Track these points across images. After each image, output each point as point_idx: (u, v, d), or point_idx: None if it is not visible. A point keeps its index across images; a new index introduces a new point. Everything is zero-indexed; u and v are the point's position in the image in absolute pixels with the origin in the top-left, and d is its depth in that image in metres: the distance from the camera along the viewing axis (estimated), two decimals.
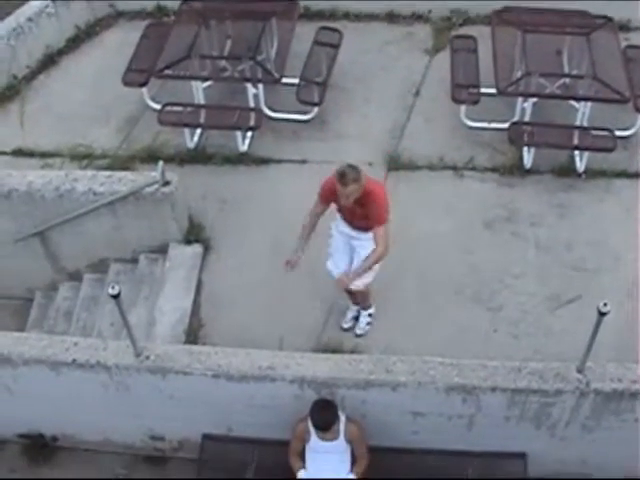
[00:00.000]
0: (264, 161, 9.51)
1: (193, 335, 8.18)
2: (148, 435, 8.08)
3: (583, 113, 9.23)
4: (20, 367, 7.46)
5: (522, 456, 7.60)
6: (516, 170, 9.26)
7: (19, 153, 9.95)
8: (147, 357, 7.23)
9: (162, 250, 8.78)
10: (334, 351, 7.77)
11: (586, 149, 9.12)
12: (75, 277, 9.31)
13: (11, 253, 9.04)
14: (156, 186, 8.35)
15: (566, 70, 9.47)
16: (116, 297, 6.46)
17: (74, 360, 7.31)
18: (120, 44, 10.60)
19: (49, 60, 10.81)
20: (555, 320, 8.26)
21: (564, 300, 8.36)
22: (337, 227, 7.60)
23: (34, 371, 7.47)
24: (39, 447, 8.42)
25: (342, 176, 7.00)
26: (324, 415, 7.03)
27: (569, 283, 8.45)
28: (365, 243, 7.38)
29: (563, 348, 7.83)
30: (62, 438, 8.40)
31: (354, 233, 7.48)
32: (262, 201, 9.04)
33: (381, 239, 7.26)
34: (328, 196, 7.37)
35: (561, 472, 7.77)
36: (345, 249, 7.64)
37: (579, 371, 6.98)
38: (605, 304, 6.16)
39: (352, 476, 7.22)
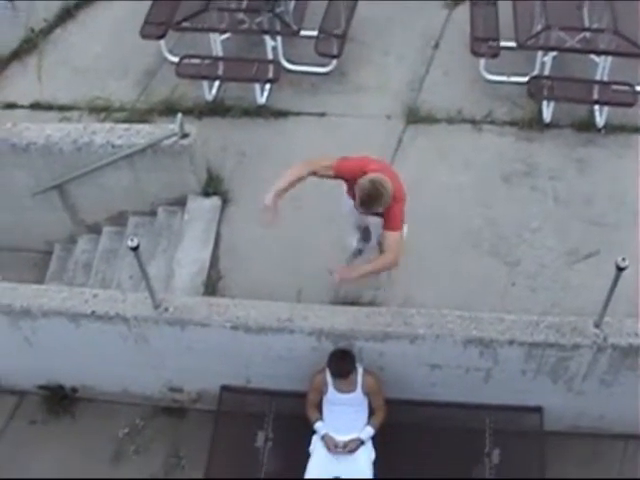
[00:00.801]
0: (282, 114, 9.47)
1: (211, 287, 8.19)
2: (167, 386, 8.13)
3: (603, 67, 9.14)
4: (39, 319, 7.53)
5: (538, 410, 7.62)
6: (535, 124, 9.19)
7: (37, 106, 9.95)
8: (166, 309, 7.26)
9: (180, 202, 8.77)
10: (352, 303, 7.76)
11: (606, 104, 9.04)
12: (94, 230, 9.33)
13: (30, 206, 9.08)
14: (174, 138, 8.33)
15: (586, 24, 9.32)
16: (135, 249, 6.48)
17: (93, 312, 7.36)
18: None
19: (66, 13, 10.77)
20: (573, 274, 8.23)
21: (582, 255, 8.32)
22: (346, 205, 7.43)
23: (53, 323, 7.53)
24: (59, 398, 8.50)
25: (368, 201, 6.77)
26: (342, 362, 7.05)
27: (587, 238, 8.40)
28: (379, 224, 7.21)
29: (581, 303, 7.81)
30: (81, 389, 8.46)
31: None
32: (280, 153, 8.96)
33: (392, 246, 6.99)
34: (346, 177, 7.09)
35: (577, 426, 7.79)
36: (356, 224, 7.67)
37: (596, 326, 6.98)
38: (623, 259, 6.14)
39: (369, 428, 7.26)
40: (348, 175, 7.03)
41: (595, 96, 9.02)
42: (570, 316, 7.19)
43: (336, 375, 7.06)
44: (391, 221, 6.95)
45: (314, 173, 7.09)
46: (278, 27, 9.44)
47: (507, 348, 7.04)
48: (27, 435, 8.41)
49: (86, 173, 8.65)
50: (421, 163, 8.57)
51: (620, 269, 6.20)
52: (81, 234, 9.44)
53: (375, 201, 6.67)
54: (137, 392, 8.30)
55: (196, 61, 9.45)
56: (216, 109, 9.56)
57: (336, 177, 7.11)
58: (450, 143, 9.12)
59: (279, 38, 9.63)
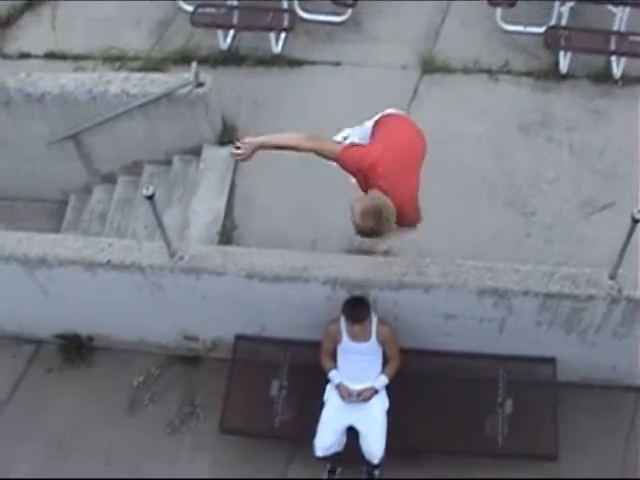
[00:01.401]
0: (298, 63, 9.44)
1: (226, 236, 8.23)
2: (182, 335, 8.17)
3: (621, 18, 9.05)
4: (55, 268, 7.55)
5: (552, 361, 7.64)
6: (552, 75, 9.13)
7: (51, 56, 9.95)
8: (181, 258, 7.27)
9: (196, 152, 8.79)
10: (367, 253, 7.75)
11: (623, 55, 8.97)
12: (109, 179, 9.36)
13: (45, 156, 9.11)
14: (189, 87, 8.32)
15: None
16: (150, 198, 6.48)
17: (109, 261, 7.38)
18: None
19: None
20: (588, 226, 8.22)
21: (598, 206, 8.31)
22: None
23: (69, 272, 7.56)
24: (75, 347, 8.57)
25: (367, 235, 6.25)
26: (357, 307, 7.06)
27: (603, 189, 8.39)
28: None
29: (596, 254, 7.81)
30: (97, 338, 8.52)
31: None
32: (295, 103, 8.97)
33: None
34: (349, 170, 6.42)
35: (590, 378, 7.80)
36: None
37: (611, 277, 6.96)
38: (639, 211, 6.12)
39: (383, 377, 7.28)
40: (352, 168, 6.38)
41: (612, 47, 8.95)
42: (585, 267, 7.16)
43: (351, 320, 7.05)
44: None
45: (315, 151, 6.39)
46: None
47: (521, 298, 7.04)
48: (44, 383, 8.49)
49: (101, 123, 8.66)
50: (437, 113, 8.52)
51: (636, 221, 6.16)
52: (96, 184, 9.47)
53: (375, 235, 6.22)
54: (152, 341, 8.35)
55: (211, 10, 9.41)
56: (231, 58, 9.53)
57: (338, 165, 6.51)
58: (466, 93, 9.08)
59: None
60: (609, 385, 7.86)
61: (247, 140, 6.43)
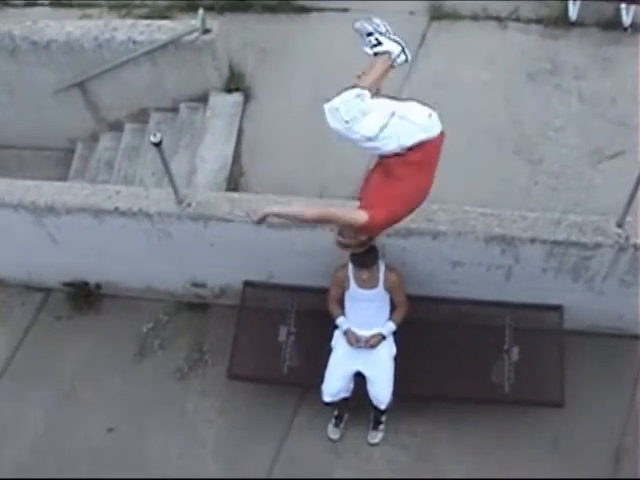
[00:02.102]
0: (305, 9, 9.38)
1: (234, 183, 8.24)
2: (190, 282, 8.21)
3: None
4: (63, 216, 7.58)
5: (558, 308, 7.65)
6: (561, 22, 9.04)
7: (57, 4, 9.93)
8: (189, 204, 7.28)
9: (203, 99, 8.77)
10: None
11: (632, 2, 8.84)
12: (116, 127, 9.34)
13: (52, 104, 9.09)
14: (196, 34, 8.28)
15: None
16: (158, 145, 6.45)
17: (116, 208, 7.39)
18: None
19: None
20: (596, 174, 8.19)
21: (606, 154, 8.27)
22: None
23: (77, 220, 7.58)
24: (83, 295, 8.62)
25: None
26: (364, 253, 6.85)
27: (611, 138, 8.34)
28: None
29: (603, 202, 7.79)
30: (105, 286, 8.57)
31: None
32: (303, 50, 8.95)
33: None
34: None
35: (596, 326, 7.82)
36: None
37: (619, 225, 6.94)
38: None
39: (391, 323, 7.30)
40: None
41: None
42: (592, 215, 7.15)
43: (359, 266, 7.05)
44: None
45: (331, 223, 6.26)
46: None
47: (529, 246, 7.04)
48: (53, 330, 8.57)
49: (107, 70, 8.64)
50: (445, 60, 8.48)
51: None
52: (103, 132, 9.47)
53: None
54: (161, 288, 8.40)
55: None
56: (238, 5, 9.47)
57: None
58: (474, 40, 9.02)
59: None
60: (616, 333, 7.88)
61: (254, 219, 6.16)
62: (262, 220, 6.11)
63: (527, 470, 7.51)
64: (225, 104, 8.62)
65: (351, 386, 7.35)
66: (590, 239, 6.96)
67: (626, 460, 7.52)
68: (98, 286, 8.56)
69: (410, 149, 5.82)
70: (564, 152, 8.32)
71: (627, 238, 6.93)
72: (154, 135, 6.42)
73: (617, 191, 7.18)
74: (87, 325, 8.52)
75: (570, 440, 7.61)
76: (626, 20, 8.95)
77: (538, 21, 9.10)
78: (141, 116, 9.12)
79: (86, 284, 8.55)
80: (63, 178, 9.27)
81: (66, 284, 8.59)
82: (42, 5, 9.89)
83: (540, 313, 7.69)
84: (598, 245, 6.98)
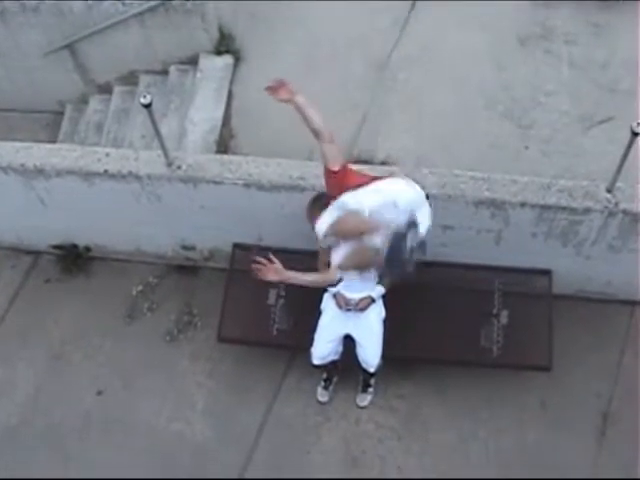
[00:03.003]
0: None
1: (224, 146, 8.23)
2: (179, 245, 8.20)
3: None
4: (53, 178, 7.54)
5: (547, 273, 7.66)
6: None
7: None
8: (178, 167, 7.24)
9: (192, 61, 8.75)
10: (365, 162, 7.74)
11: None
12: (105, 90, 9.33)
13: (41, 66, 9.08)
14: None
15: None
16: (148, 106, 6.43)
17: (106, 170, 7.35)
18: None
19: None
20: (586, 140, 8.20)
21: (596, 120, 8.27)
22: None
23: (67, 182, 7.54)
24: (73, 257, 8.61)
25: None
26: None
27: (602, 103, 8.35)
28: None
29: (593, 168, 7.81)
30: (95, 248, 8.55)
31: None
32: (294, 13, 8.86)
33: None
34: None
35: (585, 291, 7.86)
36: None
37: (608, 191, 6.94)
38: (638, 124, 6.06)
39: (380, 287, 7.21)
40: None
41: None
42: (582, 181, 7.15)
43: None
44: None
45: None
46: None
47: (518, 210, 7.04)
48: (43, 293, 8.57)
49: (97, 32, 8.61)
50: (436, 24, 8.44)
51: (635, 134, 6.11)
52: (92, 94, 9.45)
53: None
54: (150, 250, 8.39)
55: None
56: None
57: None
58: (465, 4, 8.89)
59: None
60: (604, 299, 7.93)
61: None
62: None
63: (515, 433, 7.56)
64: (215, 67, 8.59)
65: (340, 349, 7.34)
66: (580, 204, 6.96)
67: (613, 424, 7.56)
68: (87, 249, 8.53)
69: None
70: (554, 117, 8.32)
71: (616, 204, 6.94)
72: (144, 97, 6.40)
73: (607, 156, 7.25)
74: (76, 288, 8.51)
75: (558, 403, 7.66)
76: None
77: None
78: (130, 79, 9.11)
79: (75, 247, 8.53)
80: (52, 141, 9.24)
81: (55, 247, 8.57)
82: None
83: (529, 277, 7.70)
84: (588, 210, 6.98)
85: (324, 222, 6.07)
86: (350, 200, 5.95)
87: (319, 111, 6.02)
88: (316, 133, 6.06)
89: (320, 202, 6.42)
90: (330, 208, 6.05)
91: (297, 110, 6.08)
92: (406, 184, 6.03)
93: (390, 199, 5.87)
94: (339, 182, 6.02)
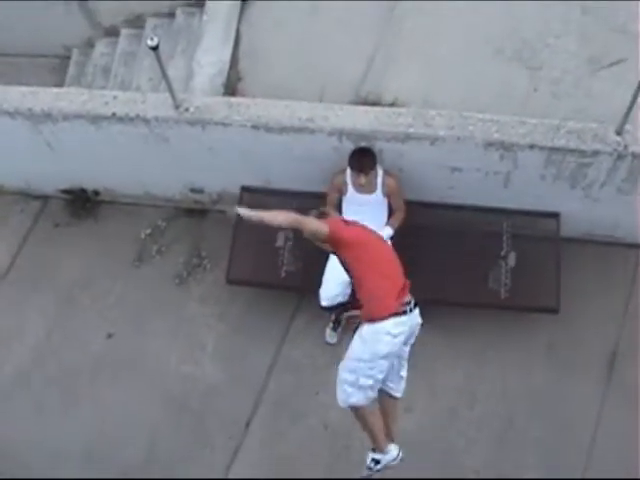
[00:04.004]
0: None
1: (231, 88, 8.17)
2: (188, 188, 8.22)
3: None
4: (60, 122, 7.55)
5: (556, 215, 7.69)
6: None
7: None
8: (186, 109, 7.25)
9: (199, 3, 8.64)
10: (373, 104, 7.71)
11: None
12: (112, 33, 9.30)
13: (46, 8, 9.01)
14: None
15: None
16: (155, 49, 6.41)
17: (114, 114, 7.36)
18: None
19: None
20: (596, 82, 8.11)
21: (606, 62, 8.18)
22: None
23: (74, 126, 7.55)
24: (81, 202, 8.64)
25: None
26: (364, 157, 7.04)
27: (612, 45, 8.22)
28: None
29: (603, 110, 7.71)
30: (104, 192, 8.57)
31: None
32: None
33: None
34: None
35: (593, 234, 7.89)
36: None
37: (618, 133, 6.95)
38: None
39: (388, 229, 7.31)
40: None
41: None
42: (592, 123, 7.12)
43: (357, 170, 7.04)
44: None
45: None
46: None
47: (527, 152, 7.05)
48: (52, 237, 8.62)
49: None
50: None
51: None
52: (99, 38, 9.41)
53: None
54: (159, 194, 8.41)
55: None
56: None
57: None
58: None
59: None
60: (612, 242, 7.95)
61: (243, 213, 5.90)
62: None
63: (521, 375, 7.61)
64: (222, 8, 8.47)
65: (348, 291, 7.34)
66: (589, 146, 6.97)
67: (619, 365, 7.62)
68: (96, 193, 8.55)
69: None
70: (564, 59, 8.20)
71: (626, 146, 6.95)
72: (151, 39, 6.37)
73: (617, 99, 7.15)
74: (85, 232, 8.55)
75: (565, 345, 7.71)
76: None
77: None
78: (137, 21, 9.07)
79: (84, 191, 8.55)
80: (59, 85, 9.21)
81: (64, 191, 8.59)
82: None
83: (537, 220, 7.73)
84: (596, 152, 6.99)
85: None
86: None
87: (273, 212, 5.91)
88: (293, 228, 6.11)
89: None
90: None
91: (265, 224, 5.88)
92: None
93: None
94: (338, 237, 5.94)
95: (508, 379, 7.62)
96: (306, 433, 7.40)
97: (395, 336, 5.90)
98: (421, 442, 7.34)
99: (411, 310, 5.92)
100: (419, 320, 6.01)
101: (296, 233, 7.72)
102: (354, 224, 6.09)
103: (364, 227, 6.11)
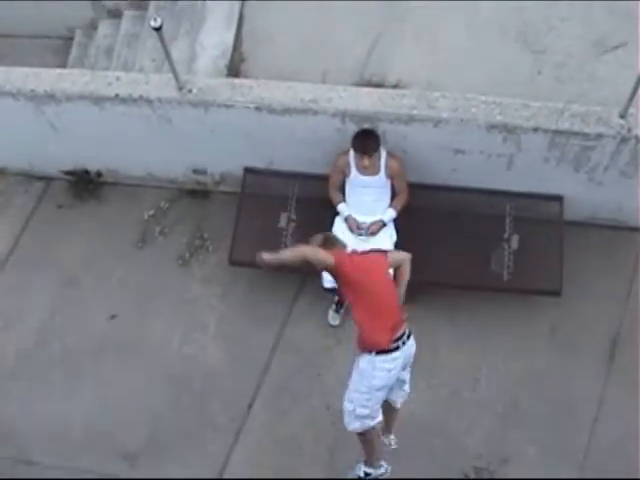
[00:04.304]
0: None
1: (235, 70, 8.18)
2: (191, 169, 8.21)
3: None
4: (63, 103, 7.55)
5: (559, 199, 7.68)
6: None
7: None
8: (189, 90, 7.25)
9: None
10: (377, 86, 7.72)
11: None
12: (115, 14, 9.30)
13: None
14: None
15: None
16: (158, 29, 6.41)
17: (117, 95, 7.37)
18: None
19: None
20: (600, 65, 8.14)
21: (610, 46, 8.20)
22: None
23: (77, 107, 7.56)
24: (84, 183, 8.63)
25: None
26: (367, 139, 7.04)
27: (616, 29, 8.26)
28: None
29: (606, 94, 7.74)
30: (107, 173, 8.56)
31: None
32: None
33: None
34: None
35: (597, 217, 7.88)
36: None
37: (621, 116, 6.95)
38: None
39: (391, 210, 7.34)
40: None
41: None
42: (595, 106, 7.13)
43: (360, 152, 7.04)
44: None
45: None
46: None
47: (531, 135, 7.05)
48: (55, 218, 8.60)
49: None
50: None
51: None
52: (102, 19, 9.39)
53: None
54: (161, 175, 8.40)
55: None
56: None
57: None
58: None
59: None
60: (615, 225, 7.95)
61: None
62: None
63: (524, 357, 7.61)
64: None
65: None
66: (592, 129, 6.97)
67: (622, 347, 7.63)
68: (99, 174, 8.54)
69: None
70: (568, 42, 8.24)
71: (629, 129, 6.95)
72: (154, 20, 6.38)
73: (620, 82, 7.16)
74: (88, 213, 8.54)
75: (567, 328, 7.72)
76: None
77: None
78: (140, 3, 9.03)
79: (87, 172, 8.54)
80: (62, 66, 9.19)
81: (67, 172, 8.58)
82: None
83: (541, 203, 7.73)
84: (600, 136, 6.99)
85: None
86: None
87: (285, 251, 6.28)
88: (302, 262, 6.05)
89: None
90: None
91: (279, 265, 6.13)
92: None
93: None
94: (341, 271, 6.10)
95: (510, 361, 7.63)
96: (308, 414, 7.41)
97: (389, 370, 6.22)
98: (423, 423, 7.37)
99: (404, 343, 6.13)
100: (413, 349, 6.24)
101: (299, 214, 7.81)
102: (359, 259, 6.18)
103: (368, 262, 6.22)
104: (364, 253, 6.38)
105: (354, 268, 6.00)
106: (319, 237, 6.17)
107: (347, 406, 6.43)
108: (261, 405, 7.67)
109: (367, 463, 6.91)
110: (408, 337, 6.15)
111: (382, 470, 6.93)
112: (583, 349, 7.63)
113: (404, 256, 6.39)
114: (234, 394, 7.71)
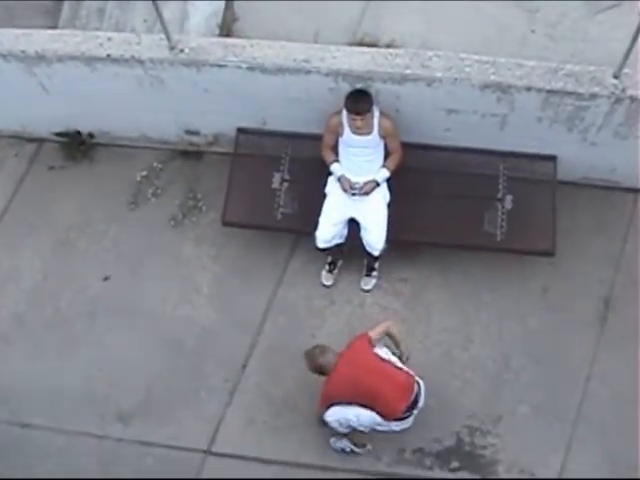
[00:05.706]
0: None
1: (227, 29, 8.14)
2: (183, 130, 8.17)
3: None
4: (54, 64, 7.50)
5: (552, 159, 7.66)
6: None
7: None
8: (181, 50, 7.20)
9: None
10: (370, 46, 7.65)
11: None
12: None
13: None
14: None
15: None
16: None
17: (108, 55, 7.31)
18: None
19: None
20: (594, 25, 8.12)
21: (603, 5, 8.17)
22: None
23: (69, 68, 7.50)
24: (76, 144, 8.57)
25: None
26: (360, 99, 6.99)
27: None
28: None
29: (600, 54, 7.73)
30: (99, 135, 8.52)
31: None
32: None
33: None
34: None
35: (590, 178, 7.88)
36: None
37: (615, 77, 6.91)
38: None
39: (385, 170, 7.31)
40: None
41: None
42: (589, 66, 7.11)
43: (353, 112, 6.98)
44: None
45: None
46: None
47: (524, 94, 7.02)
48: (47, 180, 8.56)
49: None
50: None
51: None
52: None
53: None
54: (154, 136, 8.36)
55: None
56: None
57: None
58: None
59: None
60: (608, 186, 7.96)
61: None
62: None
63: (517, 318, 7.66)
64: None
65: (345, 232, 7.42)
66: (586, 89, 6.94)
67: (614, 309, 7.66)
68: (91, 135, 8.50)
69: None
70: (561, 2, 8.20)
71: (623, 89, 6.92)
72: None
73: (614, 42, 7.16)
74: (80, 174, 8.50)
75: (560, 289, 7.74)
76: None
77: None
78: None
79: (79, 133, 8.49)
80: (53, 27, 8.98)
81: (59, 134, 8.53)
82: None
83: (534, 163, 7.70)
84: (594, 95, 6.96)
85: None
86: None
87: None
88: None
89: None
90: None
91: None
92: None
93: None
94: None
95: (503, 321, 7.66)
96: (302, 375, 7.36)
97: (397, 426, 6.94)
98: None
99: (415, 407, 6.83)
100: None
101: (292, 174, 7.79)
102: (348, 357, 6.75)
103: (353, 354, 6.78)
104: (348, 346, 6.84)
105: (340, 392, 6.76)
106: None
107: (331, 422, 7.02)
108: (255, 366, 7.70)
109: (355, 443, 7.45)
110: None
111: (365, 450, 7.43)
112: (576, 309, 7.65)
113: (385, 325, 6.83)
114: (228, 355, 7.73)
